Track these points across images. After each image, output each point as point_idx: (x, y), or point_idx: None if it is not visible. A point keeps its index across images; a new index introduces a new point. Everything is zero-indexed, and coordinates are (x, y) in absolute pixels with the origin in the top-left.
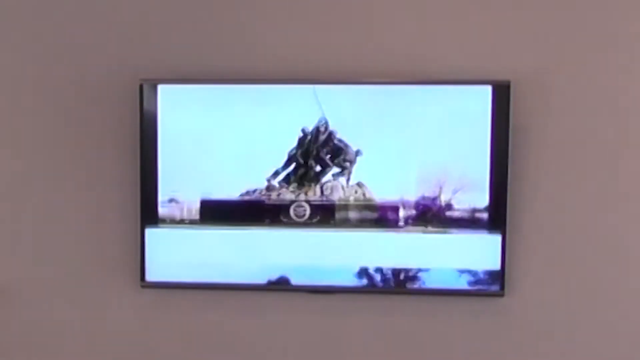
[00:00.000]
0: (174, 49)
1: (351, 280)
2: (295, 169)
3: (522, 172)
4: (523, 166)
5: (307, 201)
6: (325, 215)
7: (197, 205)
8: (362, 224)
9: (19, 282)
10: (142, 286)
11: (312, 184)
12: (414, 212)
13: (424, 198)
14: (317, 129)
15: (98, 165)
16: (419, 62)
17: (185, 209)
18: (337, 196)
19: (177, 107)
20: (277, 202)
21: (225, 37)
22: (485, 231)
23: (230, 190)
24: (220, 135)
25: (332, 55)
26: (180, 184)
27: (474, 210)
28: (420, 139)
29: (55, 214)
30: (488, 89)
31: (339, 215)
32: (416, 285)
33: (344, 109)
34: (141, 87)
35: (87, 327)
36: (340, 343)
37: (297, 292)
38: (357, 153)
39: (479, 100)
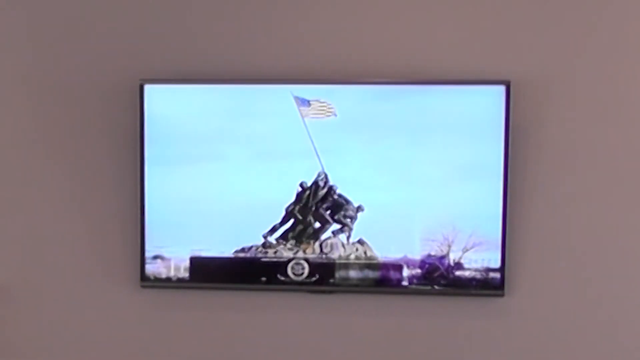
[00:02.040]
0: (174, 50)
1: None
2: (294, 225)
3: (522, 172)
4: (523, 166)
5: (306, 259)
6: (325, 274)
7: (187, 262)
8: (363, 283)
9: (19, 282)
10: (142, 286)
11: (311, 241)
12: (419, 271)
13: (429, 256)
14: (316, 184)
15: (98, 165)
16: (418, 62)
17: (172, 267)
18: (337, 254)
19: (165, 163)
20: (274, 260)
21: (226, 38)
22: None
23: (224, 247)
24: (214, 188)
25: (334, 56)
26: (168, 239)
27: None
28: (425, 189)
29: (55, 214)
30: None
31: (339, 274)
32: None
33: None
34: (141, 87)
35: (87, 327)
36: (341, 343)
37: (297, 292)
38: (359, 209)
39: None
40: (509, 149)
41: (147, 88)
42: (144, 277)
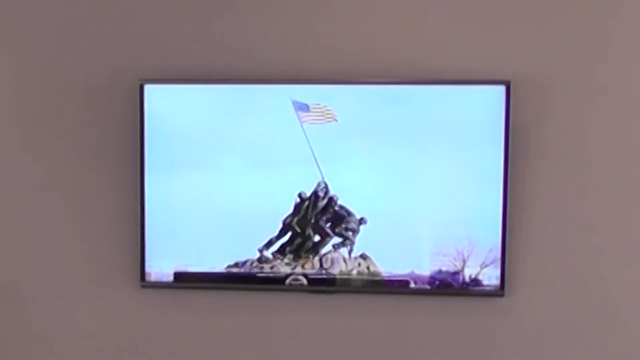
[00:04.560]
0: (174, 50)
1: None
2: (291, 238)
3: (521, 172)
4: (523, 166)
5: (305, 274)
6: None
7: (170, 279)
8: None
9: (19, 282)
10: (142, 286)
11: (310, 256)
12: (427, 287)
13: (440, 272)
14: (315, 194)
15: (98, 165)
16: (418, 62)
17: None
18: (338, 269)
19: (164, 166)
20: (271, 275)
21: (227, 38)
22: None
23: (215, 261)
24: (207, 197)
25: (334, 56)
26: (152, 252)
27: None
28: (433, 199)
29: (55, 214)
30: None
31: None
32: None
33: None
34: (141, 87)
35: (87, 327)
36: (340, 343)
37: (296, 292)
38: (361, 221)
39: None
40: (509, 149)
41: (147, 88)
42: (144, 277)
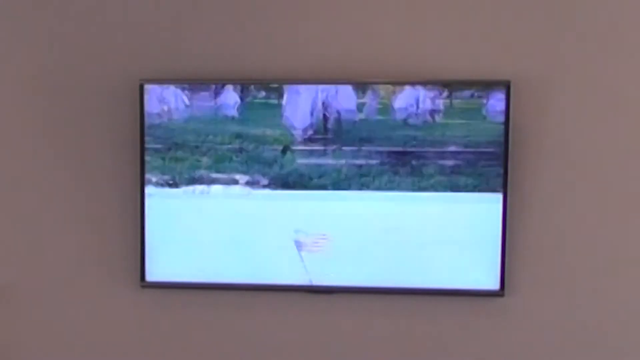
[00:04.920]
0: (174, 50)
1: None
2: None
3: (521, 172)
4: (523, 166)
5: None
6: None
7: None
8: None
9: (19, 282)
10: (142, 286)
11: None
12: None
13: None
14: None
15: (98, 165)
16: (417, 63)
17: None
18: None
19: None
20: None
21: (227, 38)
22: None
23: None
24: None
25: (333, 56)
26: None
27: None
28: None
29: (55, 214)
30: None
31: None
32: (416, 285)
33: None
34: (141, 87)
35: (87, 327)
36: (340, 343)
37: (296, 292)
38: None
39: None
40: (509, 149)
41: (147, 88)
42: (143, 277)
